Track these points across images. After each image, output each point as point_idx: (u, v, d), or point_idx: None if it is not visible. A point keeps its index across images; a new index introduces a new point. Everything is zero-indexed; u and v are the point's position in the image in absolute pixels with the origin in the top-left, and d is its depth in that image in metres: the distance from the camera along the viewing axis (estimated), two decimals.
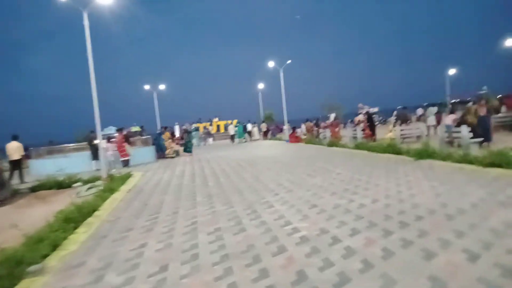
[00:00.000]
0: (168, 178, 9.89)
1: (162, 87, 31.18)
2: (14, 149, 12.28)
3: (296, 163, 10.63)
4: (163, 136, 17.38)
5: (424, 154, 8.87)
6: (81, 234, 5.00)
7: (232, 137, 28.74)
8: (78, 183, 10.42)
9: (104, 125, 32.78)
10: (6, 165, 12.31)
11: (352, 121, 34.03)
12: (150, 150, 17.09)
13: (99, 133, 10.77)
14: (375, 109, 39.23)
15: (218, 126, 40.68)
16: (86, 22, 10.30)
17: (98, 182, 9.95)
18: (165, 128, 17.87)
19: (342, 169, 8.61)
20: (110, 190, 8.33)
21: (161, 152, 17.54)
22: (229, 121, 37.98)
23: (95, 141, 12.43)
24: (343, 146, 13.92)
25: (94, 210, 6.39)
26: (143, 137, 18.10)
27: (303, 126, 28.16)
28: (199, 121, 40.60)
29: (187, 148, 17.59)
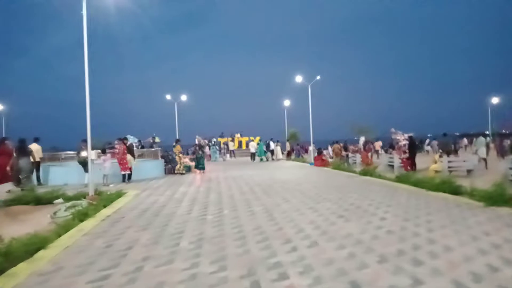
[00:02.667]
0: (163, 202, 8.02)
1: (183, 98, 29.90)
2: (34, 151, 12.32)
3: (323, 195, 8.51)
4: (174, 150, 15.69)
5: (499, 198, 6.58)
6: None
7: (253, 155, 26.86)
8: (59, 200, 8.75)
9: (124, 134, 31.71)
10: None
11: (389, 147, 31.50)
12: (159, 164, 15.42)
13: (90, 142, 9.09)
14: (409, 136, 36.21)
15: (240, 142, 39.05)
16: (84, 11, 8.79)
17: (81, 201, 8.24)
18: (177, 141, 16.19)
19: (385, 211, 6.44)
20: (83, 215, 6.54)
21: (171, 167, 15.85)
22: (252, 138, 36.25)
23: (83, 152, 10.78)
24: (380, 176, 11.65)
25: (39, 248, 4.58)
26: (153, 150, 16.47)
27: (330, 149, 25.91)
28: (222, 136, 39.20)
29: (199, 165, 15.79)
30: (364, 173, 12.41)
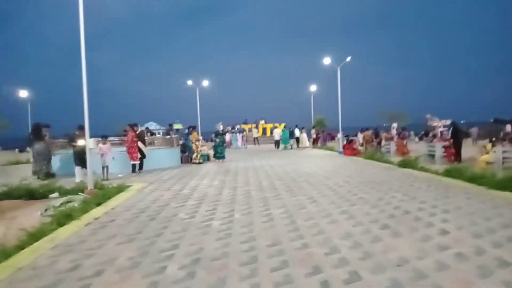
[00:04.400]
0: (167, 200, 6.82)
1: (205, 83, 28.67)
2: None
3: (358, 193, 7.04)
4: (190, 137, 14.53)
5: None
6: None
7: (277, 143, 25.45)
8: (55, 194, 7.77)
9: (146, 120, 31.06)
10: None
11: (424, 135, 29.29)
12: (175, 153, 14.33)
13: (88, 129, 7.99)
14: (447, 122, 33.59)
15: (264, 129, 37.70)
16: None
17: (78, 196, 7.22)
18: (193, 128, 15.00)
19: (444, 219, 4.92)
20: (65, 216, 5.43)
21: (188, 156, 14.75)
22: (276, 124, 34.82)
23: (80, 142, 9.54)
24: (423, 169, 9.97)
25: None
26: (168, 137, 15.38)
27: (360, 136, 24.00)
28: (245, 122, 38.09)
29: (217, 153, 14.58)
30: (403, 164, 10.74)
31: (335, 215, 5.27)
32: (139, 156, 11.39)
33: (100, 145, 9.86)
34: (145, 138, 12.79)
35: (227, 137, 28.56)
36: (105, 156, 10.01)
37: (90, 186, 7.76)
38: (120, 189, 7.93)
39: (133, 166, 11.27)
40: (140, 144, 11.60)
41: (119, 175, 10.82)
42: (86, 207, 6.16)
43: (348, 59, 20.08)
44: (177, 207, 6.15)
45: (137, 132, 11.57)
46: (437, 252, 3.68)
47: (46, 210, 6.44)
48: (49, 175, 10.74)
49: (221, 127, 31.72)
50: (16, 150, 32.58)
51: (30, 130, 12.32)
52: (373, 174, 9.68)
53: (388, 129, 29.44)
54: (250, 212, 5.62)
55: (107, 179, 9.72)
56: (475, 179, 7.49)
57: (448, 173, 8.52)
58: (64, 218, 5.32)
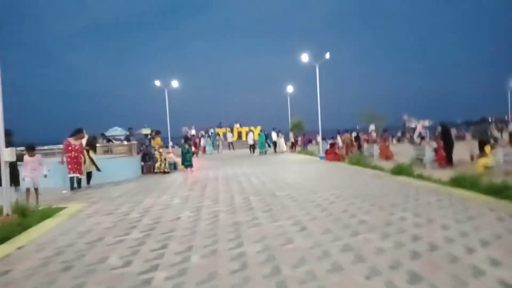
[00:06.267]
0: (102, 231, 5.01)
1: (175, 84, 26.76)
2: None
3: (357, 214, 5.49)
4: (153, 143, 12.66)
5: None
6: None
7: (252, 147, 23.86)
8: None
9: (110, 126, 28.66)
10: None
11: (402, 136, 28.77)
12: (133, 162, 12.42)
13: (2, 135, 6.06)
14: (425, 123, 32.87)
15: (239, 133, 36.06)
16: None
17: None
18: (157, 132, 13.12)
19: (489, 257, 3.42)
20: None
21: (150, 165, 12.87)
22: (252, 128, 33.24)
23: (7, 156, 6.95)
24: (423, 177, 8.59)
25: None
26: (127, 143, 13.44)
27: (340, 139, 22.73)
28: (220, 126, 36.49)
29: (185, 161, 12.79)
30: (397, 171, 9.34)
31: (336, 255, 3.67)
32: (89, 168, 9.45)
33: (26, 157, 7.56)
34: (99, 145, 10.86)
35: (202, 142, 26.77)
36: (32, 173, 7.30)
37: (6, 210, 5.83)
38: (47, 213, 6.04)
39: (72, 180, 9.10)
40: (91, 153, 9.66)
41: (64, 191, 8.88)
42: None
43: (327, 55, 18.83)
44: (112, 244, 4.37)
45: (88, 139, 9.56)
46: None
47: None
48: None
49: (192, 132, 29.83)
50: None
51: None
52: (366, 185, 8.20)
53: (366, 131, 28.48)
54: (214, 252, 3.93)
55: (37, 204, 6.98)
56: (496, 191, 6.12)
57: (456, 183, 7.14)
58: None
